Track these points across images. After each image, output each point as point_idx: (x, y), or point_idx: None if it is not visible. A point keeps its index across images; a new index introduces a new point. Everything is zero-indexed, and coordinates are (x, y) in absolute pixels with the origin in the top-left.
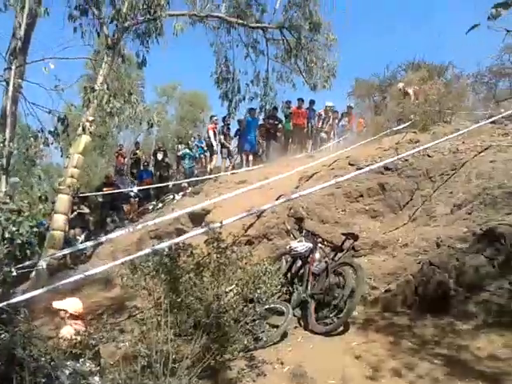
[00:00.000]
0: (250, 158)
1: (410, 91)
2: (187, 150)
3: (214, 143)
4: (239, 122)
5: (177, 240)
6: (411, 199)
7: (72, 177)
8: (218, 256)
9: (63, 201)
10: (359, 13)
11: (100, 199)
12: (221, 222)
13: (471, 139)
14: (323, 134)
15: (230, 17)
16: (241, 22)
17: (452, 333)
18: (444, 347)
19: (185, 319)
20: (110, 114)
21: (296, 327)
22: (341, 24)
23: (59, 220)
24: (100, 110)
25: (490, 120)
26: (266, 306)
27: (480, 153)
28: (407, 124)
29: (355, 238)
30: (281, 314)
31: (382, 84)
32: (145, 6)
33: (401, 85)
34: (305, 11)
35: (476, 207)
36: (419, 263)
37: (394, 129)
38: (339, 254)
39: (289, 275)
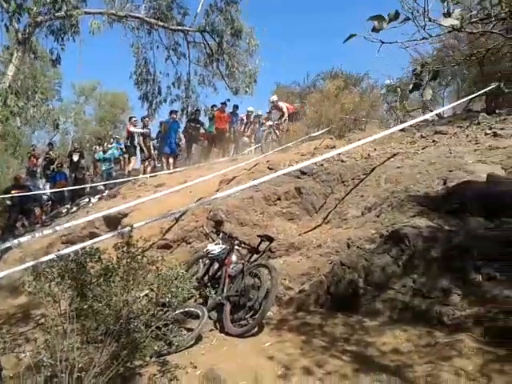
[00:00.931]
0: (170, 160)
1: (284, 107)
2: (102, 154)
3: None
4: (161, 124)
5: (84, 244)
6: (325, 202)
7: None
8: (128, 261)
9: None
10: (285, 21)
11: (8, 202)
12: (131, 226)
13: (382, 146)
14: (245, 139)
15: (151, 18)
16: (161, 23)
17: (360, 330)
18: (353, 344)
19: (94, 326)
20: (11, 113)
21: (212, 330)
22: (265, 30)
23: None
24: (5, 108)
25: (398, 128)
26: (181, 310)
27: (389, 159)
28: (324, 131)
29: (270, 239)
30: (196, 317)
31: (302, 91)
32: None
33: (274, 98)
34: (226, 16)
35: (384, 210)
36: (331, 263)
37: (312, 135)
38: (255, 256)
39: (206, 278)
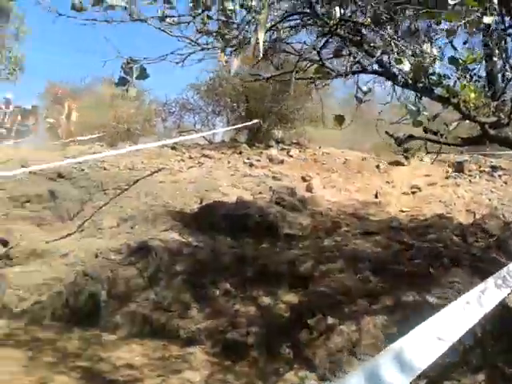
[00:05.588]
0: None
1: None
2: None
3: None
4: None
5: None
6: (82, 210)
7: None
8: None
9: None
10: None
11: None
12: None
13: (151, 160)
14: (2, 130)
15: None
16: None
17: (96, 345)
18: (85, 360)
19: None
20: None
21: None
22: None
23: None
24: None
25: (160, 143)
26: None
27: (153, 173)
28: (95, 136)
29: (4, 243)
30: None
31: (76, 92)
32: None
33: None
34: None
35: (139, 222)
36: (75, 274)
37: (80, 138)
38: None
39: None
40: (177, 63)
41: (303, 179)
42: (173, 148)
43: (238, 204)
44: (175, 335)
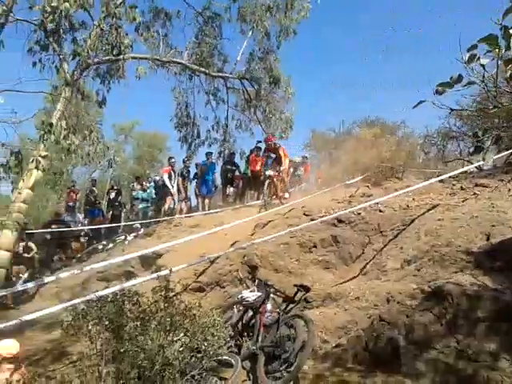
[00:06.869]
0: (206, 201)
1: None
2: (141, 193)
3: (169, 185)
4: (197, 165)
5: (123, 286)
6: (363, 252)
7: (19, 212)
8: (166, 305)
9: (8, 237)
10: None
11: (48, 236)
12: (170, 270)
13: (421, 197)
14: None
15: (192, 64)
16: (202, 69)
17: None
18: None
19: (128, 370)
20: (67, 150)
21: (244, 381)
22: (300, 75)
23: (2, 257)
24: (56, 145)
25: (439, 179)
26: (215, 358)
27: (429, 210)
28: (360, 178)
29: (307, 289)
30: (230, 366)
31: (337, 138)
32: (108, 47)
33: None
34: (266, 65)
35: (425, 264)
36: (370, 318)
37: (348, 182)
38: (291, 305)
39: (239, 325)
40: None
41: None
42: (440, 180)
43: None
44: None
